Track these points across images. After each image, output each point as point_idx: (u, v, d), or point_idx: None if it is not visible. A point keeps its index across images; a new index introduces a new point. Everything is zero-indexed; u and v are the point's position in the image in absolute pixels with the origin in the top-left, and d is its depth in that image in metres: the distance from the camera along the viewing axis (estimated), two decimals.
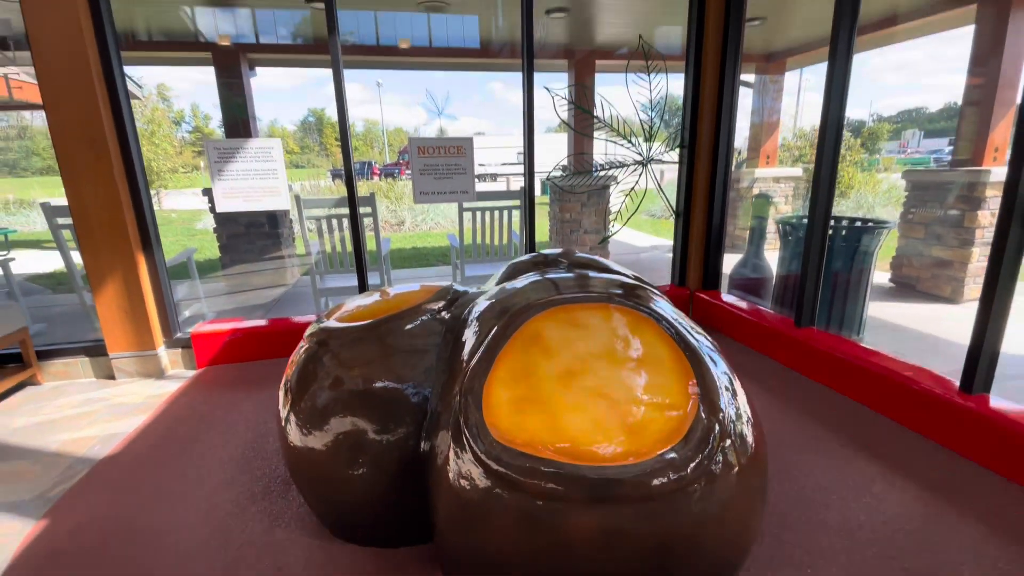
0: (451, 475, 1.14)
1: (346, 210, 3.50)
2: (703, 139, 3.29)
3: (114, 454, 2.03)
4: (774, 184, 6.36)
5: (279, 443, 1.58)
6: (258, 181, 2.87)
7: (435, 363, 1.42)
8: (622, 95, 3.30)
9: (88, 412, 2.42)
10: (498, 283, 1.83)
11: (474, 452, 1.08)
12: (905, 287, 4.38)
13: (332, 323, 1.55)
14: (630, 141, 3.31)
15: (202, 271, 4.41)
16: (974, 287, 3.92)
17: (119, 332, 2.74)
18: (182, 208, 13.68)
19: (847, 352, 2.33)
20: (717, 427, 1.07)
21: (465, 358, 1.29)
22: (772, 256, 3.78)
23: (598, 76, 5.64)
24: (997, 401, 1.83)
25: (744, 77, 3.53)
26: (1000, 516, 1.53)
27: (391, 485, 1.37)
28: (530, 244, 3.25)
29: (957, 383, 1.96)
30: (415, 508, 1.40)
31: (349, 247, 3.52)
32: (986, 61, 3.74)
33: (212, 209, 4.78)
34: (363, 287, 3.16)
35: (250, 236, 4.89)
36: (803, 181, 6.72)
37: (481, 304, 1.47)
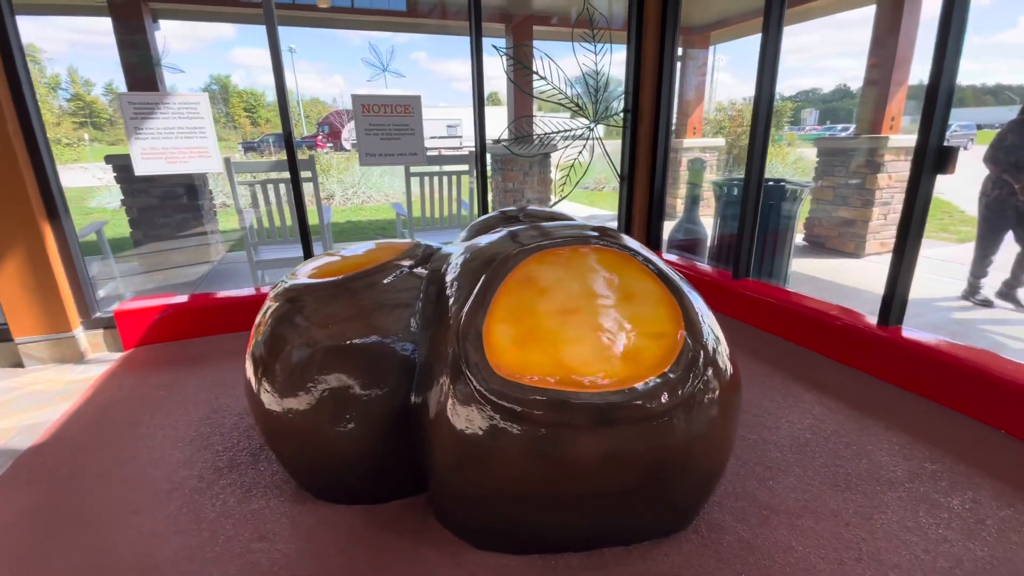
0: (453, 418, 1.14)
1: (282, 174, 3.29)
2: (645, 107, 3.40)
3: (42, 442, 1.82)
4: (700, 153, 6.71)
5: (252, 411, 1.49)
6: (183, 141, 2.60)
7: (418, 316, 1.39)
8: (562, 63, 3.31)
9: None
10: (467, 239, 1.82)
11: (478, 391, 1.09)
12: (816, 245, 4.85)
13: (302, 280, 1.47)
14: (578, 106, 3.35)
15: (111, 249, 3.95)
16: (874, 242, 4.42)
17: (25, 314, 2.42)
18: (71, 185, 12.09)
19: (781, 298, 2.57)
20: (702, 353, 1.15)
21: (455, 307, 1.28)
22: (704, 220, 4.02)
23: (535, 43, 5.61)
24: (908, 332, 2.11)
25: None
26: (920, 426, 1.78)
27: (380, 440, 1.35)
28: (483, 210, 3.23)
29: (872, 321, 2.22)
30: (403, 461, 1.39)
31: (288, 217, 3.31)
32: (884, 42, 4.14)
33: (119, 179, 4.27)
34: (308, 256, 3.00)
35: (165, 209, 4.42)
36: (723, 151, 7.16)
37: (462, 256, 1.46)
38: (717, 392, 1.16)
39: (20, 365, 2.48)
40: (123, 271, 4.28)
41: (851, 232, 4.49)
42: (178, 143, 2.59)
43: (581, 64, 3.27)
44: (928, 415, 1.85)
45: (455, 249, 1.58)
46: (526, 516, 1.18)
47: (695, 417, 1.11)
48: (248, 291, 2.97)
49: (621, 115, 3.47)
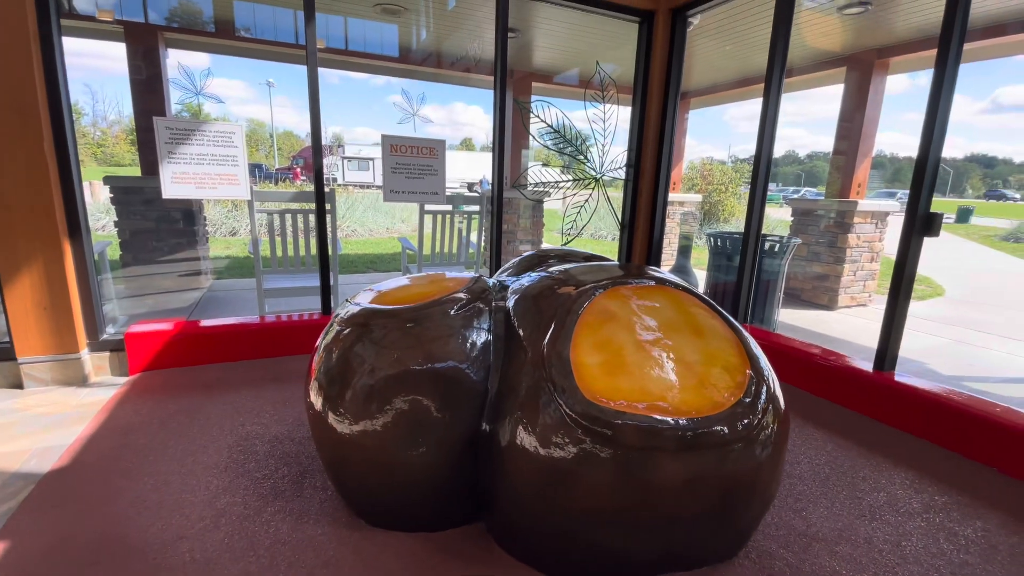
0: (537, 442, 1.21)
1: (301, 205, 3.34)
2: (647, 162, 3.67)
3: (63, 466, 1.74)
4: (679, 207, 7.14)
5: (314, 436, 1.50)
6: (215, 167, 2.64)
7: (490, 347, 1.47)
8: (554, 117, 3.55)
9: (4, 424, 2.02)
10: (514, 274, 1.92)
11: (569, 415, 1.16)
12: (792, 297, 5.19)
13: (373, 306, 1.52)
14: (586, 158, 3.59)
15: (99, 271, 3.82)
16: (845, 296, 4.78)
17: (34, 333, 2.33)
18: None
19: (783, 345, 2.76)
20: (765, 386, 1.27)
21: (533, 338, 1.37)
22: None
23: (532, 98, 5.95)
24: (901, 377, 2.31)
25: None
26: (922, 463, 1.94)
27: (449, 466, 1.39)
28: (496, 249, 3.35)
29: (867, 367, 2.43)
30: (466, 489, 1.43)
31: (302, 247, 3.34)
32: (851, 117, 4.65)
33: (115, 201, 4.19)
34: (326, 288, 3.02)
35: (160, 233, 4.34)
36: (699, 206, 7.62)
37: (527, 291, 1.55)
38: (777, 423, 1.28)
39: (19, 386, 2.35)
40: (112, 294, 4.12)
41: (824, 286, 4.85)
42: (209, 169, 2.62)
43: (591, 121, 3.53)
44: (926, 453, 2.02)
45: (513, 285, 1.67)
46: (602, 540, 1.23)
47: (762, 444, 1.22)
48: (254, 319, 2.94)
49: (624, 169, 3.73)
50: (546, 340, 1.29)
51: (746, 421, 1.18)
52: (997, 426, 1.91)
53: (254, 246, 3.22)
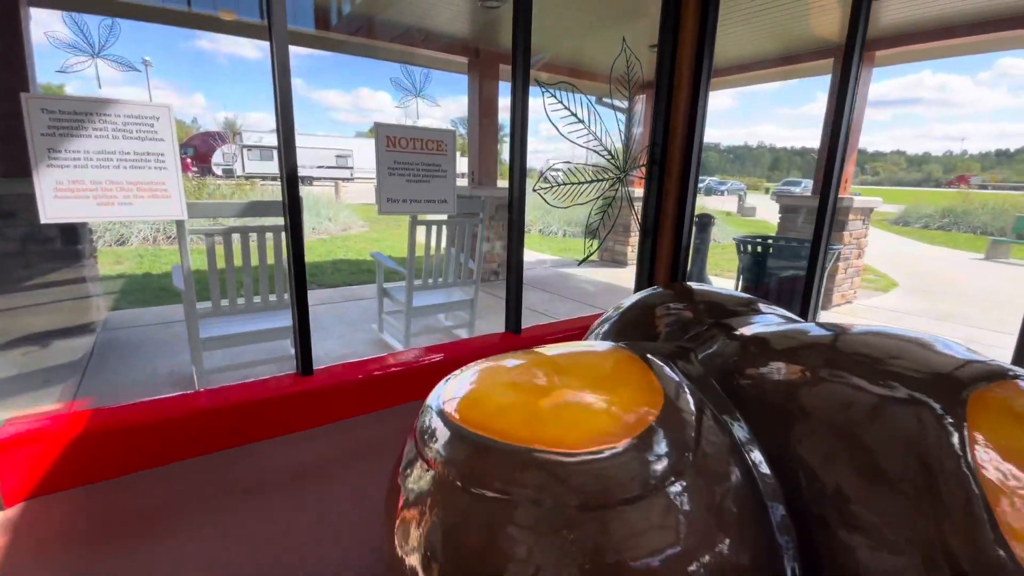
0: None
1: (256, 222, 2.45)
2: (674, 158, 3.18)
3: None
4: None
5: None
6: (129, 172, 1.72)
7: (767, 513, 0.85)
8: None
9: None
10: (614, 331, 1.31)
11: None
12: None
13: (515, 448, 0.83)
14: (610, 153, 3.02)
15: None
16: (837, 294, 4.69)
17: None
18: None
19: None
20: None
21: (851, 495, 0.78)
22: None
23: (502, 84, 5.25)
24: None
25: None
26: None
27: None
28: (518, 271, 2.69)
29: None
30: None
31: (255, 276, 2.44)
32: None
33: None
34: (305, 337, 2.18)
35: (27, 256, 3.12)
36: None
37: (795, 400, 0.95)
38: None
39: None
40: None
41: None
42: (119, 175, 1.70)
43: (616, 110, 2.97)
44: None
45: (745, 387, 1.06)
46: None
47: None
48: (192, 393, 2.06)
49: (647, 166, 3.21)
50: (931, 523, 0.71)
51: None
52: None
53: (185, 283, 2.27)
